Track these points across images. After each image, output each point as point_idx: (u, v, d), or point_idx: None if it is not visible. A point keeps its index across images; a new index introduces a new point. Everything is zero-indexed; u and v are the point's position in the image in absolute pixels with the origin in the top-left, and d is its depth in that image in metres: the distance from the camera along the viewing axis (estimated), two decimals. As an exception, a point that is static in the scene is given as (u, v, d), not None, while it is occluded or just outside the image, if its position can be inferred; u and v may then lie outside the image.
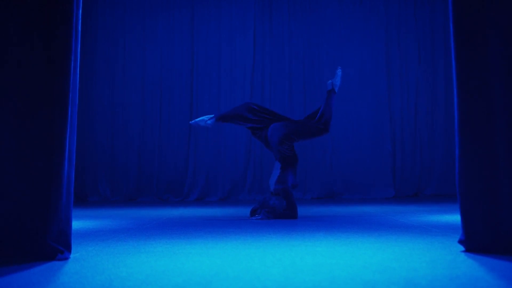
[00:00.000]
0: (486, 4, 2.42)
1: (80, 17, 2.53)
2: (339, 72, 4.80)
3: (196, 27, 8.87)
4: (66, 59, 2.40)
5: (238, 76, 8.83)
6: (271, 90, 8.80)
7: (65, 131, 2.39)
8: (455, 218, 4.15)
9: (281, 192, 4.45)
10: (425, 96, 8.85)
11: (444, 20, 8.71)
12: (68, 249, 2.40)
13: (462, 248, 2.47)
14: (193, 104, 8.78)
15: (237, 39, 8.87)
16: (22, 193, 2.34)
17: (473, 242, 2.41)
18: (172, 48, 8.86)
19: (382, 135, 8.73)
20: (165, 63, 8.83)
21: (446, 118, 8.66)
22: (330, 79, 4.84)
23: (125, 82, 8.77)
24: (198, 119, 4.85)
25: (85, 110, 8.46)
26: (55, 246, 2.33)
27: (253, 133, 4.85)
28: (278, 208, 4.40)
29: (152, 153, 8.66)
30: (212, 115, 4.85)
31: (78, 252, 2.56)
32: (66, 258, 2.36)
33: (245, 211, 5.27)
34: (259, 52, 8.86)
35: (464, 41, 2.45)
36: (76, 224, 3.97)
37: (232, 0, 8.91)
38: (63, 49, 2.40)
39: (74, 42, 2.44)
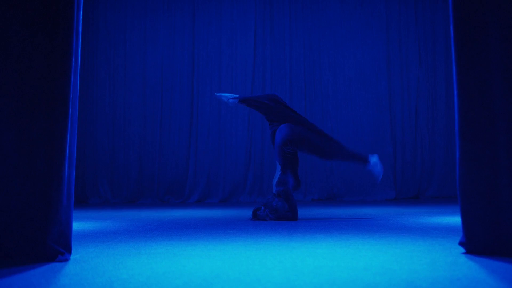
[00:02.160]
0: (487, 5, 2.42)
1: (81, 18, 2.54)
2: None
3: (197, 28, 8.89)
4: (67, 60, 2.40)
5: (239, 77, 8.84)
6: (272, 91, 8.80)
7: (65, 132, 2.39)
8: (455, 220, 4.14)
9: (281, 193, 4.46)
10: (426, 98, 8.86)
11: (445, 22, 8.73)
12: (69, 250, 2.40)
13: (462, 250, 2.47)
14: (194, 105, 8.78)
15: (238, 40, 8.89)
16: (22, 194, 2.34)
17: (474, 244, 2.41)
18: (173, 49, 8.87)
19: (383, 137, 8.74)
20: (166, 64, 8.84)
21: (447, 120, 8.67)
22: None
23: (126, 83, 8.78)
24: (224, 94, 4.89)
25: (86, 111, 8.47)
26: (55, 248, 2.33)
27: (270, 124, 4.82)
28: (281, 209, 4.41)
29: (152, 155, 8.67)
30: (237, 95, 4.87)
31: (78, 254, 2.56)
32: (66, 260, 2.35)
33: (246, 212, 5.27)
34: (260, 53, 8.88)
35: (464, 42, 2.45)
36: (77, 226, 3.97)
37: (233, 1, 8.93)
38: (63, 50, 2.40)
39: (74, 43, 2.44)
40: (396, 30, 8.93)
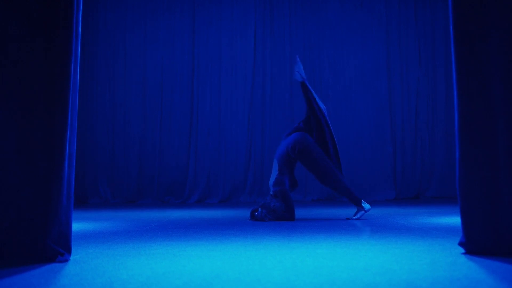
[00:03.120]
0: (486, 7, 2.42)
1: (80, 18, 2.54)
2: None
3: (197, 28, 8.89)
4: (66, 60, 2.41)
5: (239, 77, 8.84)
6: (272, 91, 8.81)
7: (65, 133, 2.39)
8: (455, 220, 4.14)
9: (279, 193, 4.47)
10: (426, 98, 8.86)
11: (445, 22, 8.72)
12: (68, 251, 2.40)
13: (462, 250, 2.47)
14: (194, 105, 8.78)
15: (238, 40, 8.89)
16: (22, 195, 2.34)
17: (473, 244, 2.41)
18: (173, 49, 8.87)
19: (383, 137, 8.74)
20: (166, 64, 8.84)
21: (447, 120, 8.67)
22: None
23: (126, 84, 8.78)
24: (301, 66, 4.81)
25: (86, 111, 8.47)
26: (55, 248, 2.33)
27: (304, 120, 4.82)
28: (279, 210, 4.42)
29: (152, 155, 8.66)
30: (304, 78, 4.79)
31: (78, 254, 2.56)
32: (66, 260, 2.35)
33: (246, 213, 5.27)
34: (260, 53, 8.87)
35: (463, 44, 2.45)
36: (77, 226, 3.97)
37: (233, 2, 8.93)
38: (63, 50, 2.40)
39: (74, 43, 2.45)
40: (396, 30, 8.93)
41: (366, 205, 4.63)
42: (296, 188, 4.89)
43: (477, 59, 2.42)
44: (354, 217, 4.59)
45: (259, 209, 4.51)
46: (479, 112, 2.41)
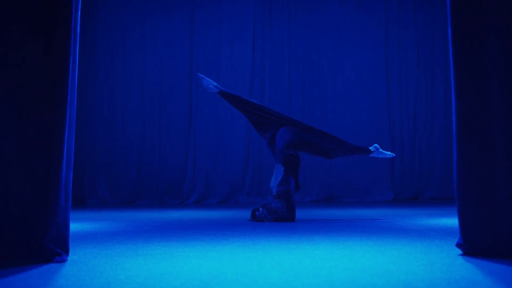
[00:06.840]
0: (485, 8, 2.42)
1: (79, 19, 2.54)
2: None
3: (196, 29, 8.90)
4: (65, 61, 2.40)
5: (238, 79, 8.85)
6: (271, 92, 8.82)
7: (63, 133, 2.39)
8: (453, 221, 4.14)
9: (283, 193, 4.46)
10: (424, 99, 8.87)
11: (444, 23, 8.74)
12: (66, 251, 2.40)
13: (460, 251, 2.47)
14: (192, 106, 8.79)
15: (237, 41, 8.90)
16: (20, 195, 2.34)
17: (471, 245, 2.41)
18: (172, 50, 8.88)
19: (382, 138, 8.74)
20: (165, 66, 8.85)
21: (445, 121, 8.68)
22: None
23: (125, 85, 8.79)
24: (207, 78, 4.87)
25: (85, 112, 8.47)
26: (53, 249, 2.33)
27: (262, 134, 4.84)
28: (280, 210, 4.41)
29: (151, 156, 8.67)
30: (219, 86, 4.86)
31: (76, 255, 2.56)
32: (64, 261, 2.35)
33: (244, 213, 5.27)
34: (259, 55, 8.88)
35: (462, 45, 2.45)
36: (75, 227, 3.96)
37: (233, 3, 8.94)
38: (61, 50, 2.40)
39: (72, 43, 2.44)
40: (395, 31, 8.95)
41: (374, 146, 4.76)
42: (298, 191, 4.88)
43: (476, 59, 2.42)
44: (388, 154, 4.80)
45: (260, 209, 4.50)
46: (477, 113, 2.41)
